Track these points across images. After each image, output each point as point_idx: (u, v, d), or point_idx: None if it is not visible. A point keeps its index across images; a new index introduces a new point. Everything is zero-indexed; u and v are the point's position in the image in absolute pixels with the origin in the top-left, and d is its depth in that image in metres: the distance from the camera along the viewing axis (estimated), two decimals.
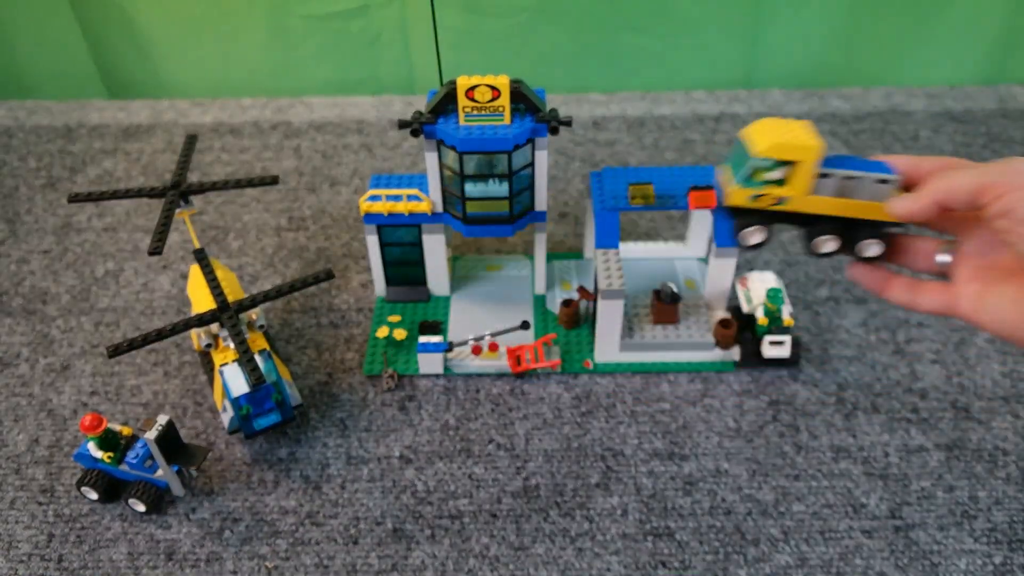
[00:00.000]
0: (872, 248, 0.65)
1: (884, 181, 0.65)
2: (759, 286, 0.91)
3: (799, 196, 0.65)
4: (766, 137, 0.64)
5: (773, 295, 0.88)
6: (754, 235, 0.67)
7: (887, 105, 1.36)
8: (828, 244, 0.66)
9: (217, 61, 1.43)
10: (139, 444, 0.77)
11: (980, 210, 0.53)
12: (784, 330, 0.89)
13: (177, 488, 0.78)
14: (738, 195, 0.66)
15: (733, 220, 0.68)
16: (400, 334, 0.93)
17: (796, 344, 0.90)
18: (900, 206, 0.59)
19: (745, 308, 0.91)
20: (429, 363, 0.90)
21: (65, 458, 0.83)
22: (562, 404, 0.87)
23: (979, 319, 0.56)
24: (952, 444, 0.83)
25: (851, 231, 0.64)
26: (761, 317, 0.89)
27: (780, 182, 0.65)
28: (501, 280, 1.03)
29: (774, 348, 0.89)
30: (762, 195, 0.65)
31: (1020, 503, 0.77)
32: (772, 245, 1.08)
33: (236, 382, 0.78)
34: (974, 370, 0.90)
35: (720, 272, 0.90)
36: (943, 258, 0.61)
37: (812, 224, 0.66)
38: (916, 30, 1.38)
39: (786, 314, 0.88)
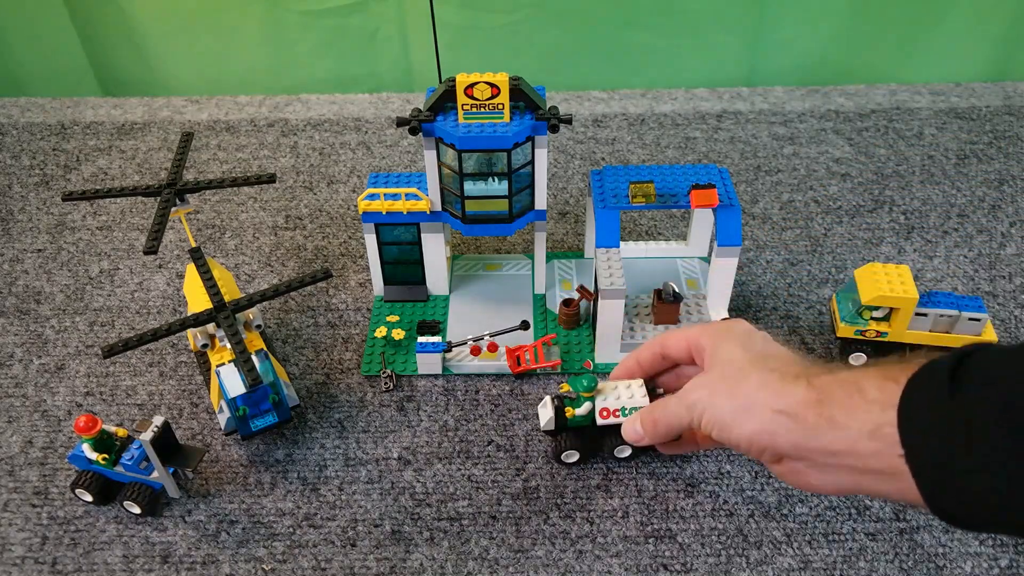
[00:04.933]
0: None
1: (976, 319, 0.83)
2: (617, 383, 0.74)
3: (898, 331, 0.85)
4: (873, 287, 0.83)
5: (586, 385, 0.73)
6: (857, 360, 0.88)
7: (891, 102, 1.35)
8: None
9: (213, 58, 1.42)
10: (134, 445, 0.76)
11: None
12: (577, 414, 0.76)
13: (173, 490, 0.77)
14: (846, 330, 0.87)
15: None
16: (398, 334, 0.92)
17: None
18: (625, 433, 0.70)
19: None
20: (428, 363, 0.89)
21: (59, 460, 0.82)
22: None
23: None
24: None
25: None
26: (566, 384, 0.77)
27: (884, 319, 0.85)
28: (500, 280, 1.02)
29: (544, 407, 0.78)
30: (867, 330, 0.86)
31: None
32: (774, 245, 1.07)
33: (233, 383, 0.77)
34: None
35: (722, 271, 0.89)
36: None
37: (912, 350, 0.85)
38: (920, 27, 1.37)
39: (583, 409, 0.75)
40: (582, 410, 0.75)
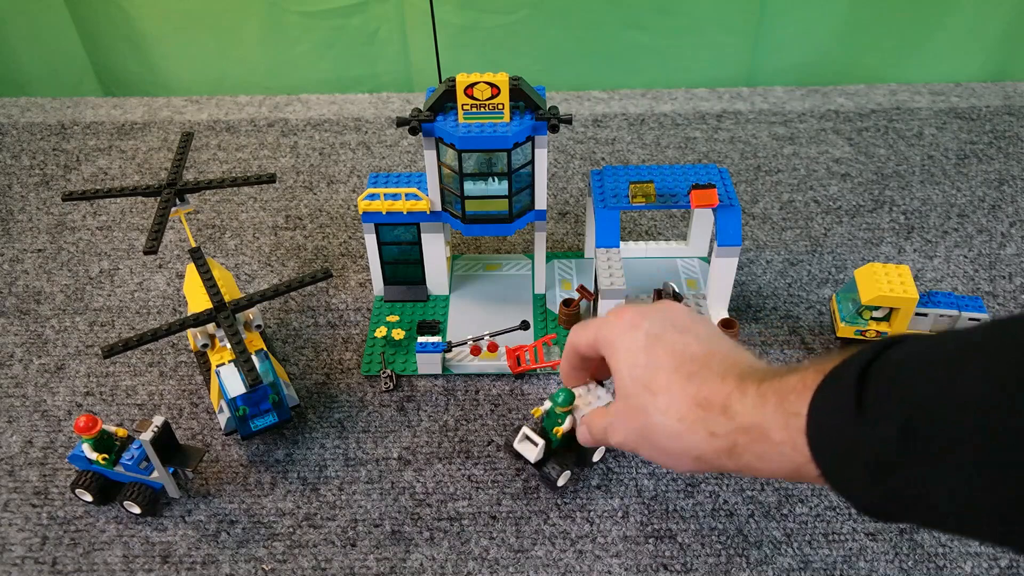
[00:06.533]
0: None
1: (976, 320, 0.84)
2: (584, 393, 0.73)
3: (898, 331, 0.84)
4: (873, 287, 0.83)
5: (563, 400, 0.72)
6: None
7: (891, 102, 1.35)
8: None
9: (213, 58, 1.42)
10: (134, 445, 0.76)
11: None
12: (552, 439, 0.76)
13: (173, 490, 0.77)
14: (846, 330, 0.87)
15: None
16: (398, 334, 0.92)
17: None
18: (579, 437, 0.67)
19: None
20: (428, 363, 0.89)
21: (59, 460, 0.82)
22: None
23: None
24: None
25: None
26: (539, 408, 0.76)
27: (884, 319, 0.85)
28: (500, 280, 1.02)
29: (523, 444, 0.77)
30: (867, 330, 0.86)
31: None
32: (774, 245, 1.07)
33: (233, 383, 0.77)
34: None
35: (722, 271, 0.89)
36: None
37: None
38: (921, 27, 1.37)
39: (567, 424, 0.74)
40: (566, 425, 0.74)
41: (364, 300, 1.00)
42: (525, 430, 0.77)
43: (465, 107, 0.80)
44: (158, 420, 0.73)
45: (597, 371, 0.70)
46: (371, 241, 0.94)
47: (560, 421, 0.74)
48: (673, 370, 0.52)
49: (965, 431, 0.35)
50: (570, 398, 0.72)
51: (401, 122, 0.82)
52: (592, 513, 0.77)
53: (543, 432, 0.76)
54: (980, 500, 0.35)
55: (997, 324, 0.38)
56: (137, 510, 0.76)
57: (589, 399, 0.71)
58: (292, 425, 0.85)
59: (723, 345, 0.54)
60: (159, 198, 0.86)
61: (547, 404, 0.74)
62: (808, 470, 0.43)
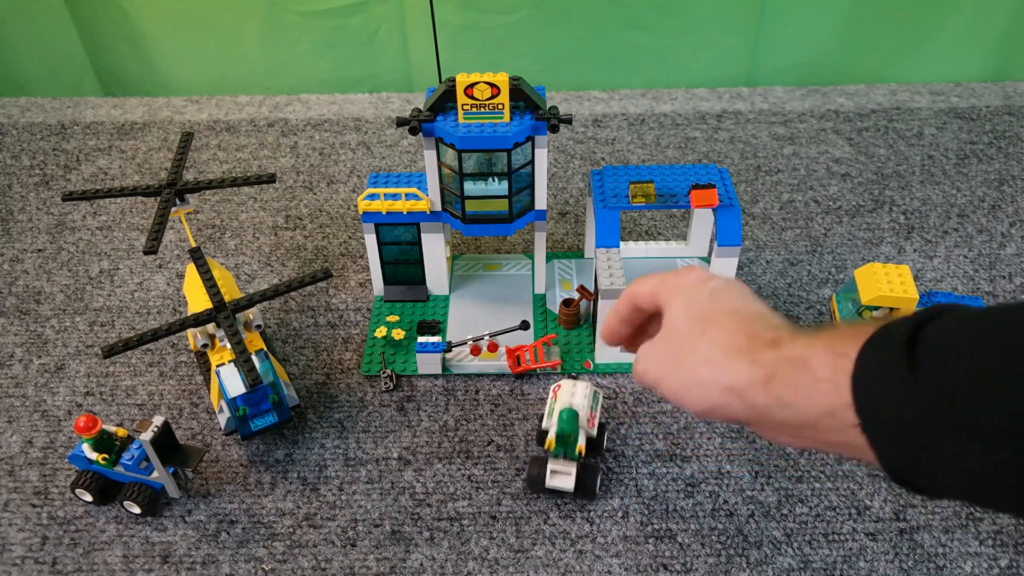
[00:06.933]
0: None
1: None
2: (569, 400, 0.76)
3: None
4: (873, 287, 0.83)
5: (567, 419, 0.73)
6: None
7: (891, 102, 1.35)
8: None
9: (213, 58, 1.42)
10: (134, 445, 0.76)
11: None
12: (573, 458, 0.76)
13: (173, 490, 0.77)
14: None
15: None
16: (398, 334, 0.92)
17: (591, 471, 0.76)
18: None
19: (544, 422, 0.77)
20: (428, 363, 0.89)
21: (59, 460, 0.82)
22: None
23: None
24: None
25: None
26: (550, 439, 0.75)
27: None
28: (500, 280, 1.02)
29: (555, 478, 0.76)
30: None
31: None
32: (774, 245, 1.07)
33: (233, 383, 0.77)
34: None
35: (722, 271, 0.89)
36: None
37: None
38: (921, 27, 1.37)
39: (582, 439, 0.75)
40: (582, 440, 0.74)
41: (364, 300, 1.00)
42: (550, 464, 0.76)
43: (465, 107, 0.80)
44: (158, 420, 0.73)
45: (637, 335, 0.67)
46: (371, 241, 0.94)
47: (574, 439, 0.74)
48: (731, 314, 0.53)
49: (1017, 410, 0.35)
50: (576, 414, 0.73)
51: (401, 122, 0.82)
52: (592, 513, 0.77)
53: (565, 457, 0.76)
54: (1011, 468, 0.36)
55: None
56: (137, 510, 0.76)
57: (578, 397, 0.75)
58: (292, 425, 0.85)
59: (779, 314, 0.55)
60: (159, 198, 0.86)
61: (552, 432, 0.74)
62: (843, 415, 0.43)
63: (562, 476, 0.76)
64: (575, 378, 0.80)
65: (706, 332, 0.52)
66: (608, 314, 0.66)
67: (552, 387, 0.79)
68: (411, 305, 0.98)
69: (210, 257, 0.89)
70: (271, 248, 1.09)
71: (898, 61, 1.40)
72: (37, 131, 1.32)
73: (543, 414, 0.79)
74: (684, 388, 0.53)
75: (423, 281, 0.98)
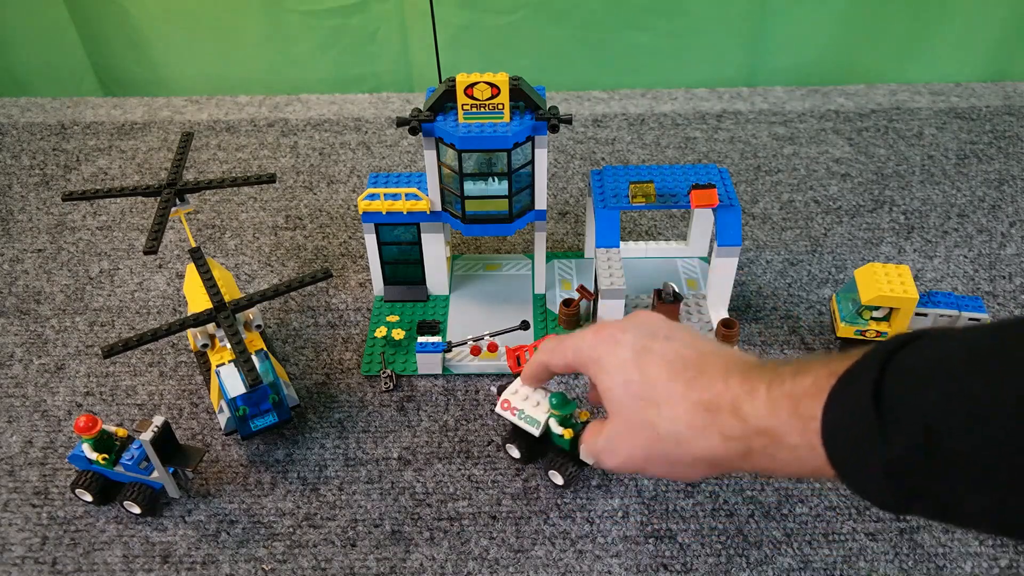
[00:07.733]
0: None
1: (976, 320, 0.83)
2: (532, 400, 0.75)
3: (898, 331, 0.83)
4: (873, 287, 0.83)
5: (559, 402, 0.72)
6: None
7: (891, 102, 1.35)
8: None
9: (213, 58, 1.42)
10: (134, 445, 0.76)
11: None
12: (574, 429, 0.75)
13: (173, 490, 0.77)
14: (846, 330, 0.87)
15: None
16: (398, 334, 0.92)
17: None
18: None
19: (536, 432, 0.74)
20: (428, 363, 0.89)
21: (59, 460, 0.82)
22: None
23: None
24: None
25: None
26: (565, 429, 0.74)
27: (884, 319, 0.85)
28: (500, 280, 1.02)
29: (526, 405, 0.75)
30: (867, 330, 0.86)
31: None
32: (774, 245, 1.07)
33: (233, 383, 0.77)
34: None
35: (722, 271, 0.89)
36: None
37: None
38: (921, 27, 1.37)
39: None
40: (559, 429, 0.75)
41: (364, 300, 1.00)
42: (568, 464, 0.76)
43: (465, 107, 0.80)
44: (158, 420, 0.73)
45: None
46: (371, 241, 0.94)
47: (571, 421, 0.74)
48: (670, 379, 0.51)
49: (989, 437, 0.35)
50: (563, 396, 0.73)
51: (401, 122, 0.82)
52: (592, 513, 0.77)
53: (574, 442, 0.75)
54: (1010, 503, 0.36)
55: (1007, 326, 0.38)
56: (137, 510, 0.76)
57: (527, 393, 0.74)
58: (292, 425, 0.85)
59: (710, 345, 0.54)
60: (159, 198, 0.86)
61: (554, 422, 0.74)
62: (826, 471, 0.44)
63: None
64: (502, 389, 0.76)
65: (660, 411, 0.51)
66: (524, 370, 0.68)
67: (499, 405, 0.75)
68: (411, 305, 0.98)
69: (210, 257, 0.89)
70: (271, 248, 1.09)
71: (898, 61, 1.40)
72: (37, 131, 1.32)
73: (505, 436, 0.80)
74: (669, 471, 0.54)
75: (423, 281, 0.98)
